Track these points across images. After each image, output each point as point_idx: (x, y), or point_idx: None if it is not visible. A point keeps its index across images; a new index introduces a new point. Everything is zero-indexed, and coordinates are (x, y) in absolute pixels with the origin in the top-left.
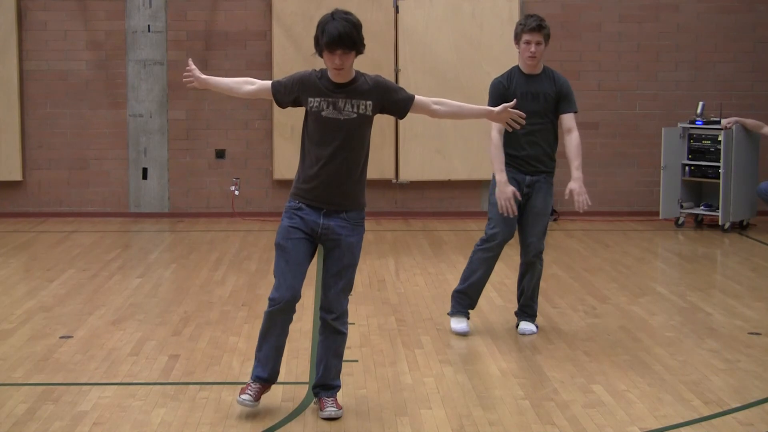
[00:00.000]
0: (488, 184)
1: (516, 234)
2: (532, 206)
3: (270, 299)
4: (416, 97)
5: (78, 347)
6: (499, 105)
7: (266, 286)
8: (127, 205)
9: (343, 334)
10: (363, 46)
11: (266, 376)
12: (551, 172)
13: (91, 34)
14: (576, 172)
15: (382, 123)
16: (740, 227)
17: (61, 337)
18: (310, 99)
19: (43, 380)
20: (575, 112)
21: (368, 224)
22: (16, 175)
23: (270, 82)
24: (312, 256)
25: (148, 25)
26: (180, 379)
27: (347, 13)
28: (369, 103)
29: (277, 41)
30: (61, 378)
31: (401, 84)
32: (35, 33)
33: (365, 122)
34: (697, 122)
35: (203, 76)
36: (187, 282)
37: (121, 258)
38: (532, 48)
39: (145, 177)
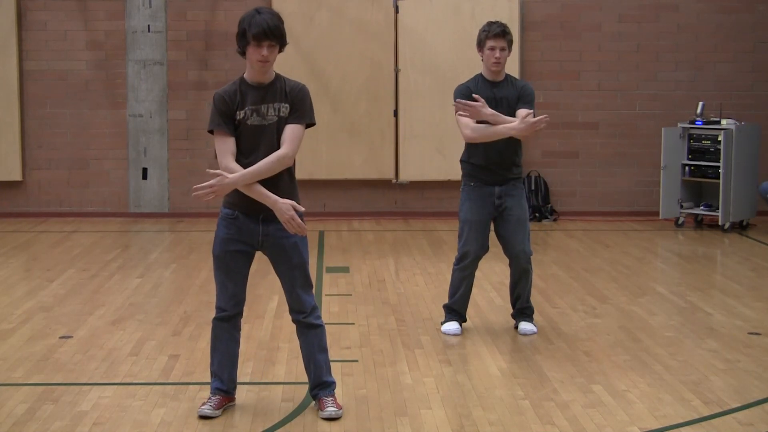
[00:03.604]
0: None
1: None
2: (510, 214)
3: (216, 307)
4: (302, 129)
5: (78, 347)
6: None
7: (266, 286)
8: (127, 205)
9: (319, 327)
10: (286, 42)
11: (225, 388)
12: (519, 177)
13: (91, 34)
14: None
15: (382, 123)
16: (740, 227)
17: (61, 337)
18: (237, 113)
19: (43, 380)
20: (531, 111)
21: (368, 224)
22: (16, 175)
23: (216, 134)
24: (250, 264)
25: (148, 25)
26: (180, 379)
27: (271, 9)
28: (287, 106)
29: None
30: (61, 378)
31: (401, 83)
32: (35, 33)
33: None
34: (696, 122)
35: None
36: (187, 282)
37: (121, 258)
38: (497, 54)
39: (145, 177)
